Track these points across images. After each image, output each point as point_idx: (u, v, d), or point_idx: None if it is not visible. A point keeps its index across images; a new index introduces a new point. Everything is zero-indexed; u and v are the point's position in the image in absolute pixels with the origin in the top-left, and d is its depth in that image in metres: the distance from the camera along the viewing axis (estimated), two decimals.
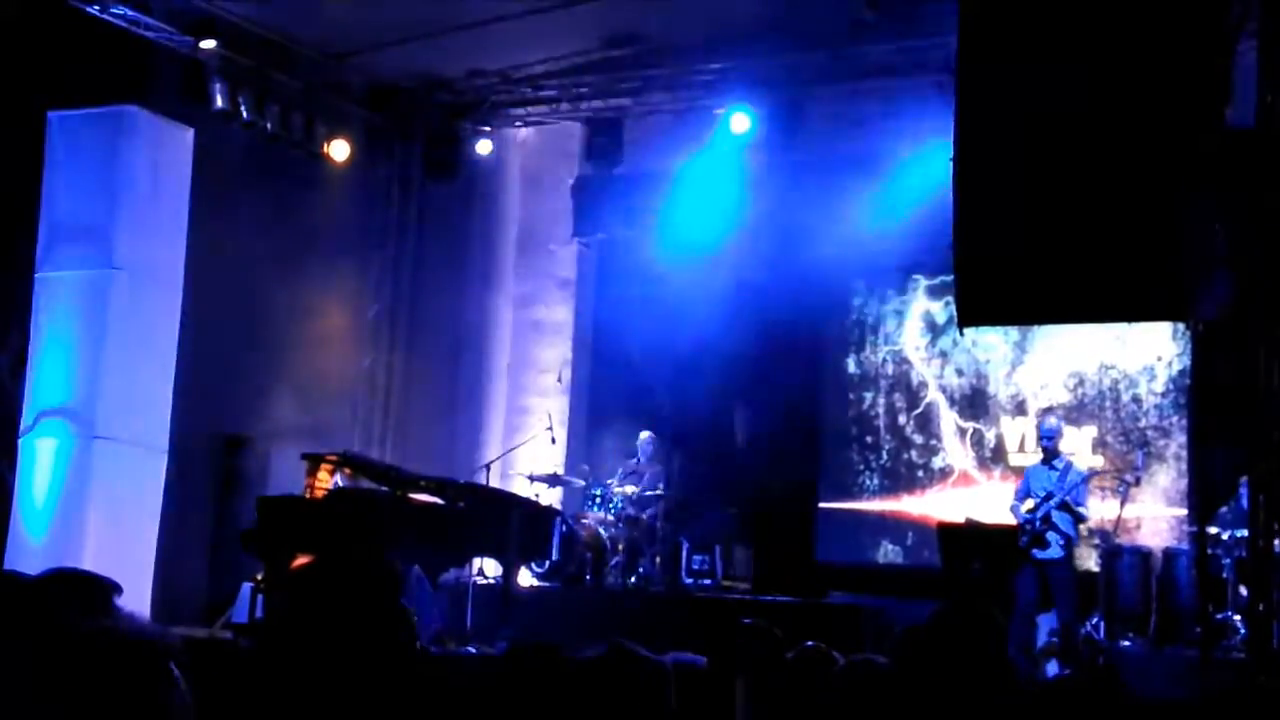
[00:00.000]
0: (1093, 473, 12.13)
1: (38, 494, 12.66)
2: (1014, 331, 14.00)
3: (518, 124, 15.96)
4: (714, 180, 14.67)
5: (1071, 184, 6.97)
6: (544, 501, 13.65)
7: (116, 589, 3.73)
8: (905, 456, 14.77)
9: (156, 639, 1.84)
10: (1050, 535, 11.47)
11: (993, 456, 14.17)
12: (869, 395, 15.01)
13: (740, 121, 14.31)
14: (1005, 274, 7.28)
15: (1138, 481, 12.50)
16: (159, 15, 13.29)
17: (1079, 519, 11.65)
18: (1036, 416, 13.53)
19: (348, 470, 12.09)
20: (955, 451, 14.48)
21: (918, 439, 14.72)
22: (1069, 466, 11.84)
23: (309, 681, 2.29)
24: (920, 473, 14.66)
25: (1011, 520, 11.77)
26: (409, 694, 2.35)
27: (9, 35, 13.20)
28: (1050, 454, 11.88)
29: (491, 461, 13.83)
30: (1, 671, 1.77)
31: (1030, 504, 11.68)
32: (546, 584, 13.72)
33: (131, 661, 1.79)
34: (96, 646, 1.79)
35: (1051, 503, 11.51)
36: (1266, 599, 7.77)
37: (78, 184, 12.97)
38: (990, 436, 14.28)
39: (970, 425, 14.44)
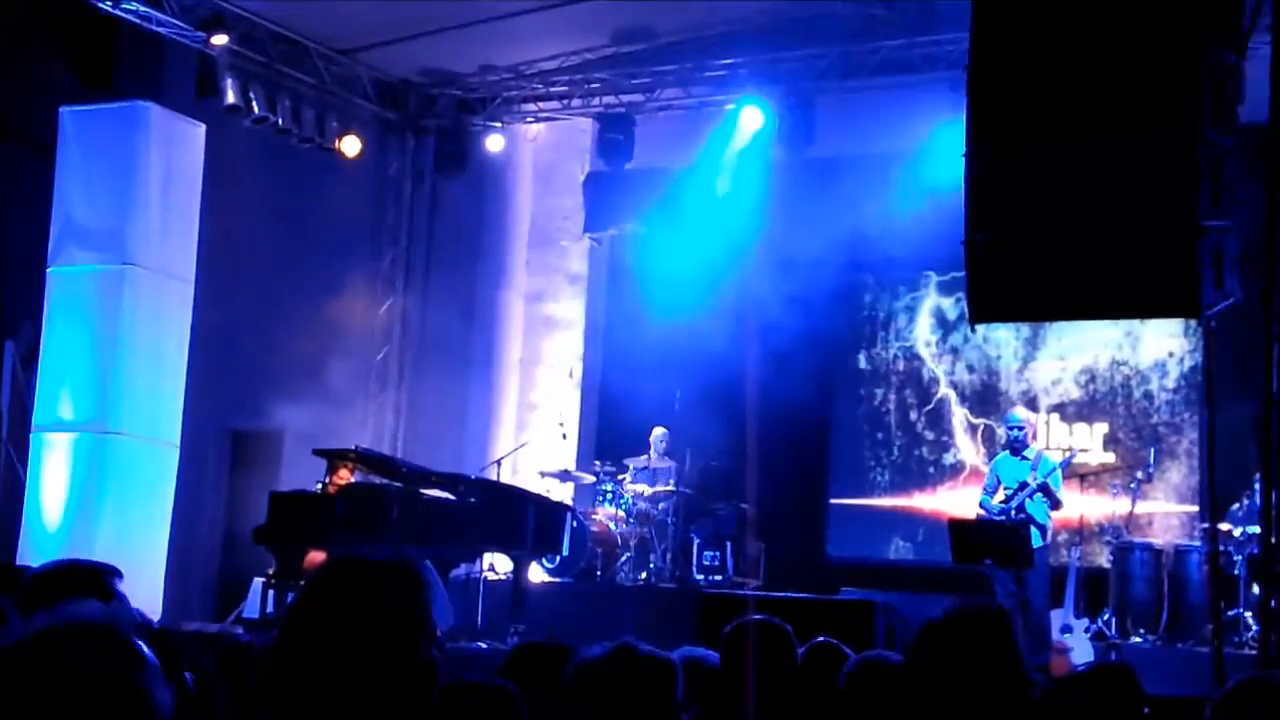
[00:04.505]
0: (1067, 462, 12.06)
1: (50, 488, 12.69)
2: (1025, 328, 13.98)
3: (529, 119, 15.96)
4: (725, 175, 14.66)
5: (1084, 180, 6.96)
6: (555, 497, 13.66)
7: (115, 573, 3.77)
8: (916, 453, 14.77)
9: (116, 625, 1.84)
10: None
11: None
12: (880, 391, 15.01)
13: (752, 117, 14.31)
14: (1017, 270, 7.26)
15: (1149, 478, 12.49)
16: (171, 11, 13.31)
17: (1056, 504, 11.57)
18: (1005, 410, 13.45)
19: (361, 465, 12.10)
20: (966, 448, 14.47)
21: (929, 435, 14.71)
22: (1040, 456, 11.78)
23: (324, 681, 2.29)
24: (931, 469, 14.66)
25: (981, 514, 11.75)
26: (424, 700, 2.35)
27: (22, 31, 13.22)
28: (1019, 445, 11.81)
29: (502, 457, 13.84)
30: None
31: (1001, 495, 11.63)
32: (557, 579, 13.73)
33: (90, 649, 1.79)
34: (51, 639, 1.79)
35: (1026, 491, 11.46)
36: (1278, 596, 7.75)
37: (90, 179, 13.00)
38: (1001, 433, 14.22)
39: (981, 421, 14.43)
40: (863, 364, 15.11)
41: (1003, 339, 14.29)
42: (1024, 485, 11.48)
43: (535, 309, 16.08)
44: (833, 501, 15.03)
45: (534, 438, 15.14)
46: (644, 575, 13.68)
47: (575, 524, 12.96)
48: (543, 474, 14.26)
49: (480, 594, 12.05)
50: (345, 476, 11.88)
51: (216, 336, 14.34)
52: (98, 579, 3.70)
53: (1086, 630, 11.56)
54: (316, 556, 11.26)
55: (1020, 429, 11.87)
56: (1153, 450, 12.91)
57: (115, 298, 12.83)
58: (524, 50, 14.97)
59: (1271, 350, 7.11)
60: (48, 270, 13.06)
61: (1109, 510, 12.91)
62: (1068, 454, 12.45)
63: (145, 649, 1.83)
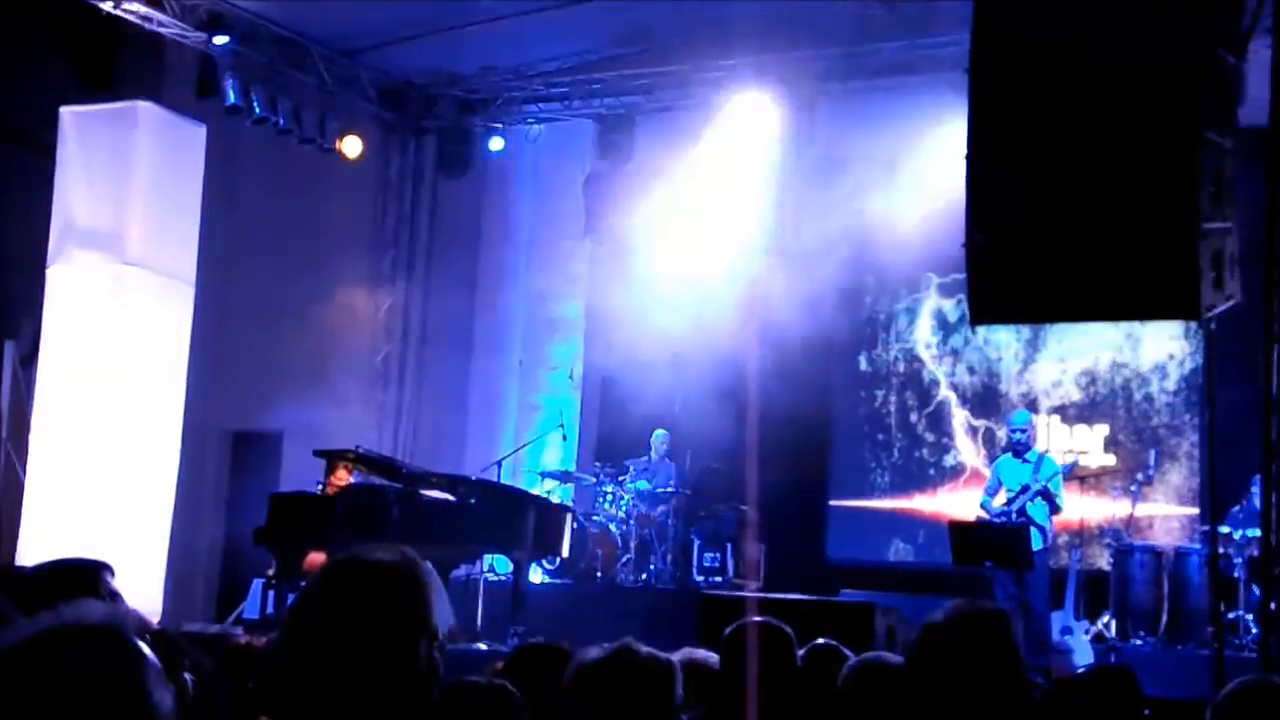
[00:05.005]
0: (1069, 469, 12.05)
1: (50, 488, 12.69)
2: (1025, 330, 13.96)
3: (530, 120, 15.95)
4: (725, 177, 14.64)
5: (1085, 182, 6.95)
6: (555, 498, 13.66)
7: (107, 569, 3.78)
8: (917, 454, 14.76)
9: (117, 626, 1.84)
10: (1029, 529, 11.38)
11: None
12: (880, 393, 15.00)
13: (751, 118, 14.28)
14: (1017, 272, 7.25)
15: (1149, 480, 12.48)
16: (171, 11, 13.30)
17: (1055, 509, 11.56)
18: (1005, 412, 13.46)
19: (361, 467, 12.11)
20: (966, 450, 14.46)
21: (929, 437, 14.70)
22: (1042, 459, 11.78)
23: (324, 682, 2.29)
24: (931, 471, 14.65)
25: (981, 516, 11.73)
26: (424, 700, 2.35)
27: (22, 31, 13.23)
28: (1022, 447, 11.81)
29: (503, 458, 13.83)
30: None
31: (1003, 498, 11.62)
32: (557, 581, 13.73)
33: (90, 648, 1.79)
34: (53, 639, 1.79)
35: (1027, 495, 11.45)
36: (1278, 598, 7.75)
37: (90, 179, 13.00)
38: (1001, 435, 14.18)
39: (982, 423, 14.42)
40: (863, 366, 15.10)
41: (1003, 341, 14.28)
42: (1025, 488, 11.47)
43: (536, 310, 16.07)
44: (833, 503, 15.02)
45: (534, 439, 15.12)
46: (644, 576, 13.68)
47: (575, 525, 12.96)
48: (543, 475, 14.26)
49: (480, 594, 12.05)
50: (345, 477, 11.88)
51: (216, 336, 14.36)
52: (90, 576, 3.70)
53: (1087, 632, 11.56)
54: (316, 557, 11.26)
55: (1024, 431, 11.88)
56: (1153, 452, 12.91)
57: (115, 298, 12.83)
58: (525, 51, 14.96)
59: (1271, 350, 7.10)
60: (48, 270, 13.06)
61: (1109, 512, 12.90)
62: (1070, 459, 12.44)
63: (146, 649, 1.83)
